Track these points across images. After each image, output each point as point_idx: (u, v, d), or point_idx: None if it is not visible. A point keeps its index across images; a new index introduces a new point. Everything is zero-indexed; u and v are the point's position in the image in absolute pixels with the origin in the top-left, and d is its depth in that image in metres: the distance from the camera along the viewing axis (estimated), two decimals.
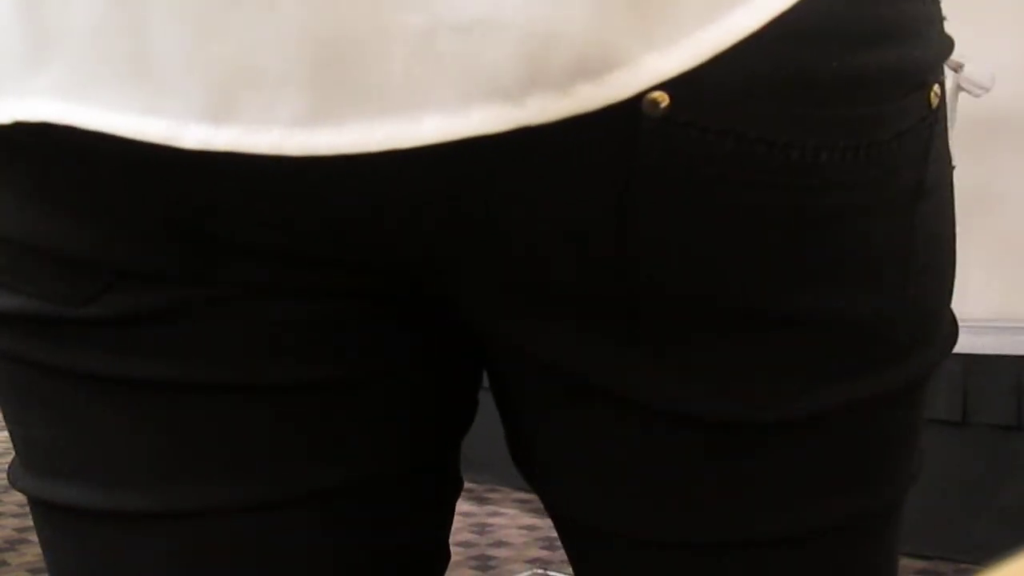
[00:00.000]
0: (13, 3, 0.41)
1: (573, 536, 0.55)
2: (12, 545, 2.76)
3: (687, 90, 0.40)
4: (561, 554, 2.51)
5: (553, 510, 0.55)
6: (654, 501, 0.50)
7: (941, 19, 0.48)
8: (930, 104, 0.46)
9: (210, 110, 0.39)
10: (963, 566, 2.46)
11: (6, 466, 0.54)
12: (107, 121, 0.40)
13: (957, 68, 1.63)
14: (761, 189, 0.42)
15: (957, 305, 0.54)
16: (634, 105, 0.40)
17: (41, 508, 0.51)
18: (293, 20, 0.38)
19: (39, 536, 0.53)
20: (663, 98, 0.40)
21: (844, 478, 0.50)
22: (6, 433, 0.52)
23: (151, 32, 0.39)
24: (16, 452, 0.52)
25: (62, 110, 0.41)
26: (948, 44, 0.48)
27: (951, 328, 0.53)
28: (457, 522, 3.04)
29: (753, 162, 0.42)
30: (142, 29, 0.39)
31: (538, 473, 0.54)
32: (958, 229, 0.52)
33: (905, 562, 2.45)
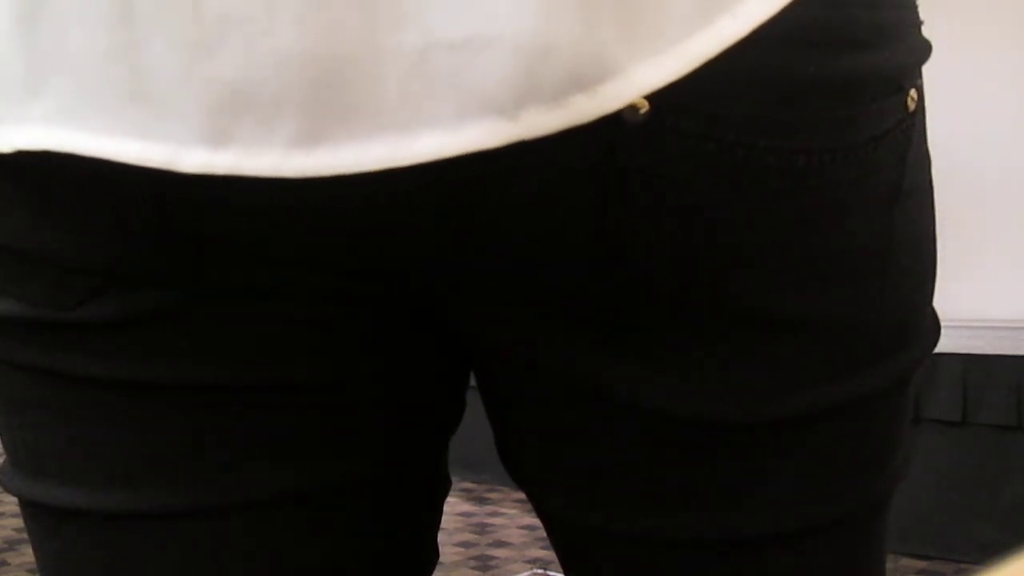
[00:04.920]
0: (11, 29, 0.41)
1: (564, 536, 0.55)
2: (12, 545, 2.76)
3: (667, 96, 0.40)
4: None
5: (543, 510, 0.55)
6: (643, 500, 0.50)
7: (919, 23, 0.49)
8: (907, 108, 0.47)
9: (208, 133, 0.39)
10: (963, 566, 2.46)
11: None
12: (106, 147, 0.40)
13: None
14: (739, 192, 0.43)
15: None
16: (616, 112, 0.40)
17: (30, 509, 0.51)
18: (289, 42, 0.38)
19: (30, 537, 0.53)
20: (642, 104, 0.40)
21: (831, 477, 0.50)
22: None
23: (148, 56, 0.39)
24: (6, 453, 0.52)
25: (61, 137, 0.41)
26: (926, 48, 0.49)
27: (933, 327, 0.54)
28: (457, 522, 3.05)
29: (732, 166, 0.42)
30: (139, 53, 0.39)
31: (529, 475, 0.54)
32: None
33: (905, 562, 2.45)
